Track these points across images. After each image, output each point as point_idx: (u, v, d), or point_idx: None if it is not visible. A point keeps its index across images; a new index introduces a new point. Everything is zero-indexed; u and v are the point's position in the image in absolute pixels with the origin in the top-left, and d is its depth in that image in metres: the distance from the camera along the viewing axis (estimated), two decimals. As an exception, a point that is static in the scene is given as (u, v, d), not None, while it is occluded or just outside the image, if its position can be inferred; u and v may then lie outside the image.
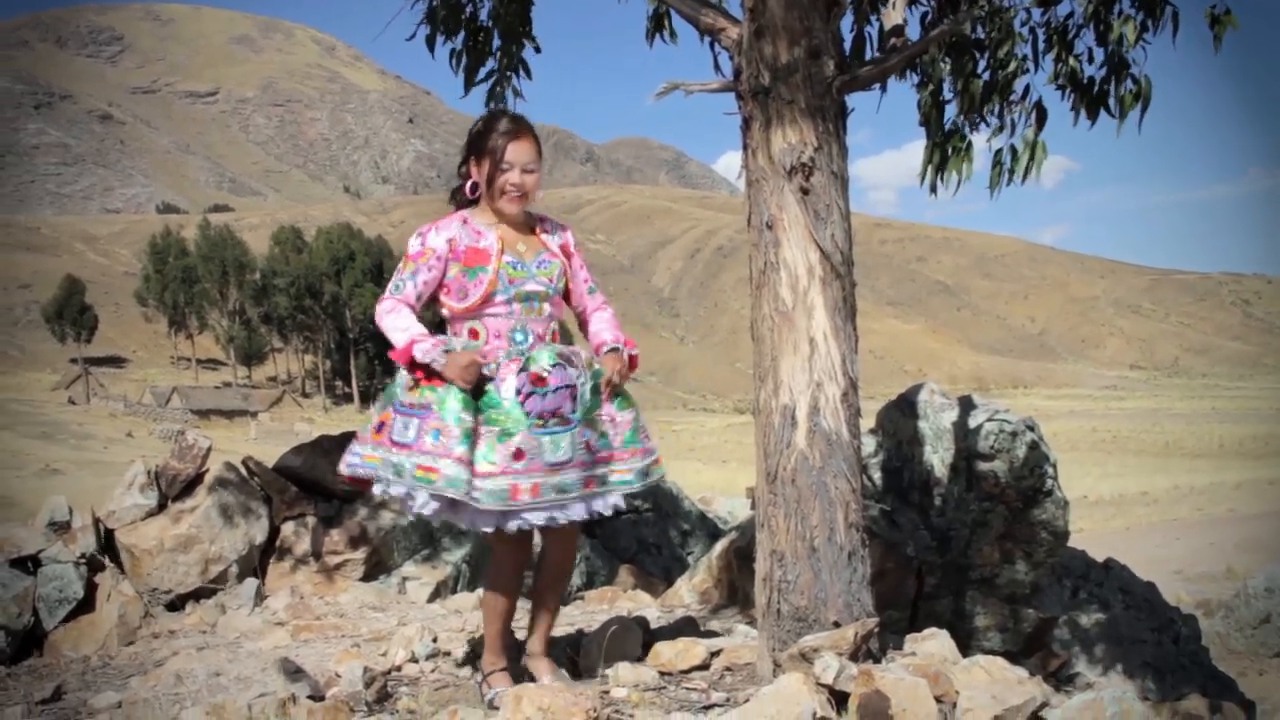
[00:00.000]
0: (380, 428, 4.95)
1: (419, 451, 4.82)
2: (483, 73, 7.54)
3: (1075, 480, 58.96)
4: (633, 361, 5.22)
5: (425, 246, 5.02)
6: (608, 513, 5.17)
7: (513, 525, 4.93)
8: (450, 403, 4.84)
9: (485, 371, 4.92)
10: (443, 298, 5.08)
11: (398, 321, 4.94)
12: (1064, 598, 9.01)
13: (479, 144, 5.09)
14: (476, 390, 4.89)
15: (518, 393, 4.90)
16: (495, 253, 5.03)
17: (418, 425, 4.86)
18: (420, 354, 4.84)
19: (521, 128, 5.10)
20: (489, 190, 5.07)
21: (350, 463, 5.04)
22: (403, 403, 4.91)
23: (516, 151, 5.03)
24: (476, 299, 4.99)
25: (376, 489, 5.02)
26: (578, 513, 5.04)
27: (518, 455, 4.87)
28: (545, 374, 4.93)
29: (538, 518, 4.95)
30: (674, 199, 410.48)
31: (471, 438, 4.85)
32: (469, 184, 5.12)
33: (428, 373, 4.87)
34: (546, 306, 5.11)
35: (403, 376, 4.94)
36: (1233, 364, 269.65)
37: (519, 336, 5.02)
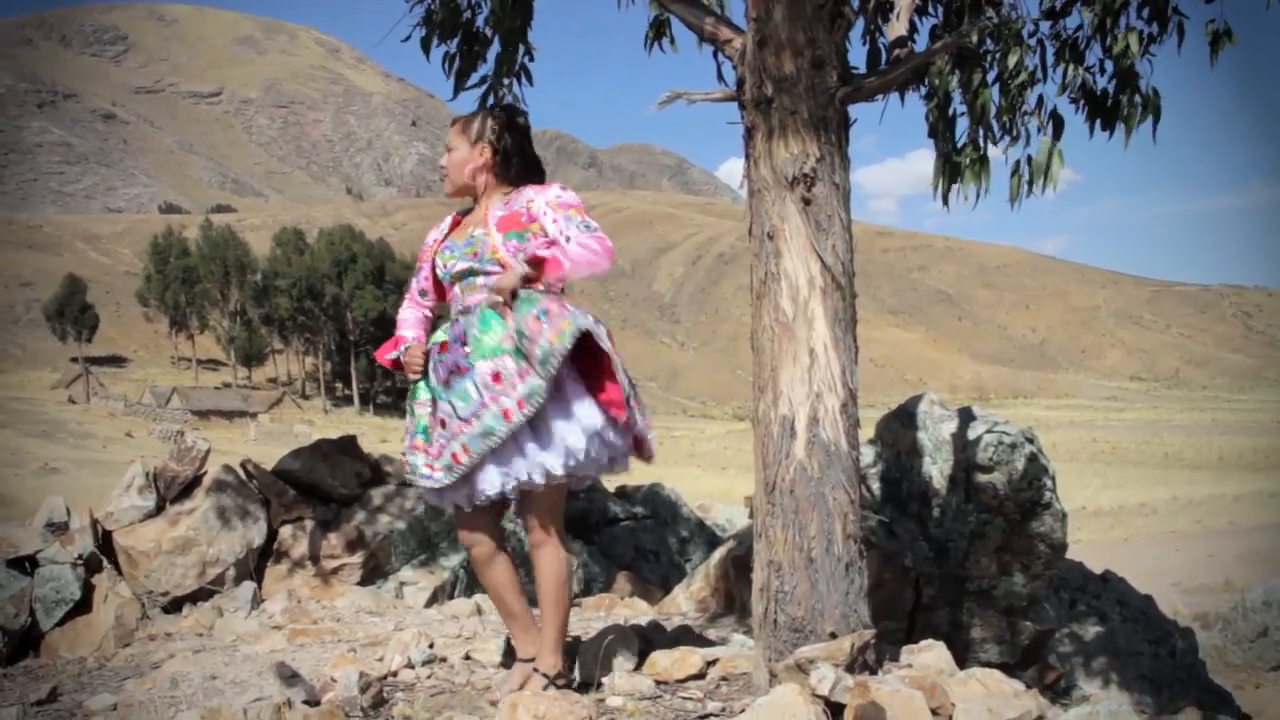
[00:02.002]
0: None
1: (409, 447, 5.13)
2: (475, 78, 7.50)
3: (1075, 491, 59.02)
4: (541, 265, 4.89)
5: (425, 243, 5.26)
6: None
7: (483, 495, 4.95)
8: (412, 398, 5.16)
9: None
10: None
11: (401, 322, 5.30)
12: (1062, 610, 9.01)
13: None
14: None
15: (431, 370, 5.10)
16: (434, 244, 5.26)
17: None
18: (383, 358, 5.24)
19: (457, 118, 5.35)
20: None
21: None
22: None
23: (447, 142, 5.33)
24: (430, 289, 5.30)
25: None
26: (493, 479, 4.91)
27: (442, 424, 4.99)
28: (445, 337, 5.08)
29: (490, 479, 4.89)
30: (676, 205, 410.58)
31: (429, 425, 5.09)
32: None
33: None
34: (479, 279, 5.05)
35: None
36: (1233, 376, 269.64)
37: (458, 313, 5.10)
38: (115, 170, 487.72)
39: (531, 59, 7.46)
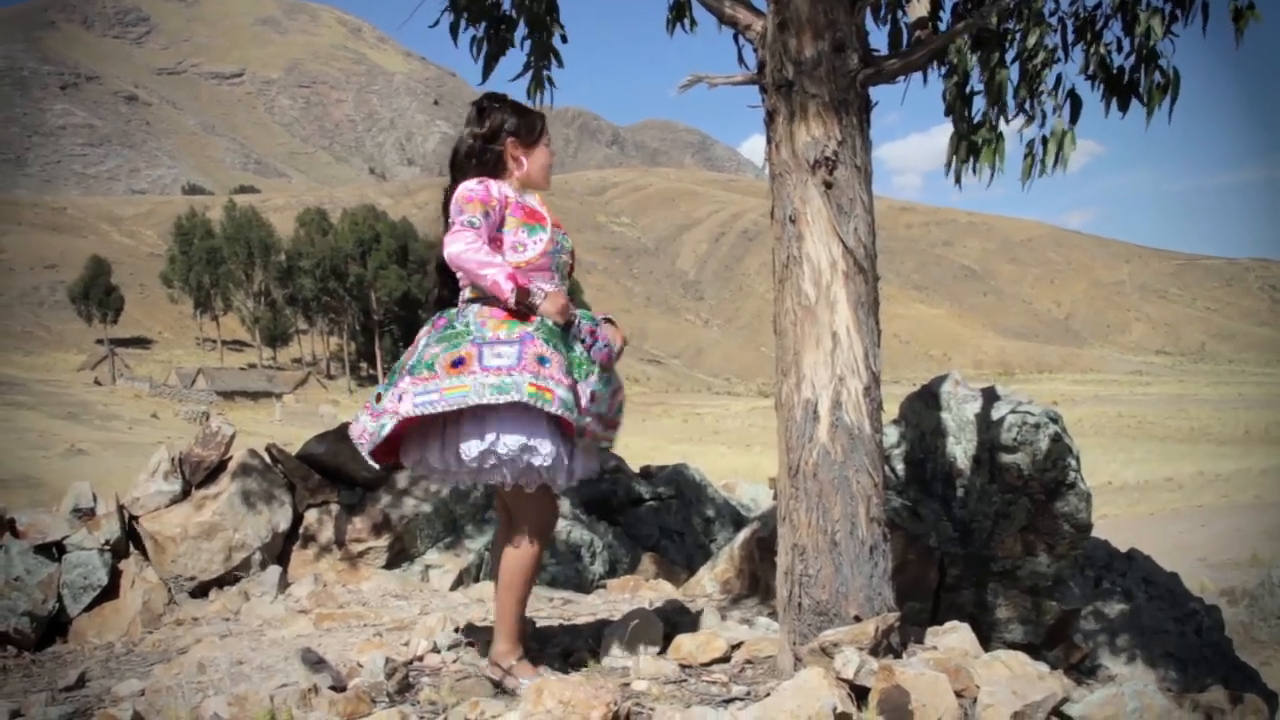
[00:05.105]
0: (459, 363, 4.81)
1: (525, 371, 4.79)
2: (519, 65, 7.44)
3: (1100, 466, 58.90)
4: None
5: (490, 194, 5.08)
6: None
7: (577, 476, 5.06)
8: (552, 335, 4.94)
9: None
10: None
11: (490, 257, 4.91)
12: (1087, 588, 9.00)
13: (530, 129, 5.33)
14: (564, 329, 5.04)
15: (581, 343, 5.10)
16: (550, 218, 5.22)
17: (517, 352, 4.84)
18: (531, 294, 4.93)
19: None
20: (532, 171, 5.31)
21: (425, 402, 4.78)
22: (491, 338, 4.87)
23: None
24: (535, 254, 5.11)
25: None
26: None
27: (592, 399, 5.05)
28: (596, 329, 5.18)
29: (593, 466, 5.15)
30: (699, 182, 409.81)
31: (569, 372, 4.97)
32: (515, 162, 5.31)
33: (520, 309, 4.94)
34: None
35: (484, 315, 4.95)
36: (1260, 350, 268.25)
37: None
38: (138, 152, 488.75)
39: (565, 41, 7.40)
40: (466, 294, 5.13)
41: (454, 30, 7.39)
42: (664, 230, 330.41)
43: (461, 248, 4.86)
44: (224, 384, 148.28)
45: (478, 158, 5.24)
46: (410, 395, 4.82)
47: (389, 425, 4.89)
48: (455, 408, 4.77)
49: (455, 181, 5.25)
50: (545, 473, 4.88)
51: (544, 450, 4.81)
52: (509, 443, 4.77)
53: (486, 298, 4.97)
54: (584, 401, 4.97)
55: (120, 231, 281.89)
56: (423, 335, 5.11)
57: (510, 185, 5.21)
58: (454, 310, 5.11)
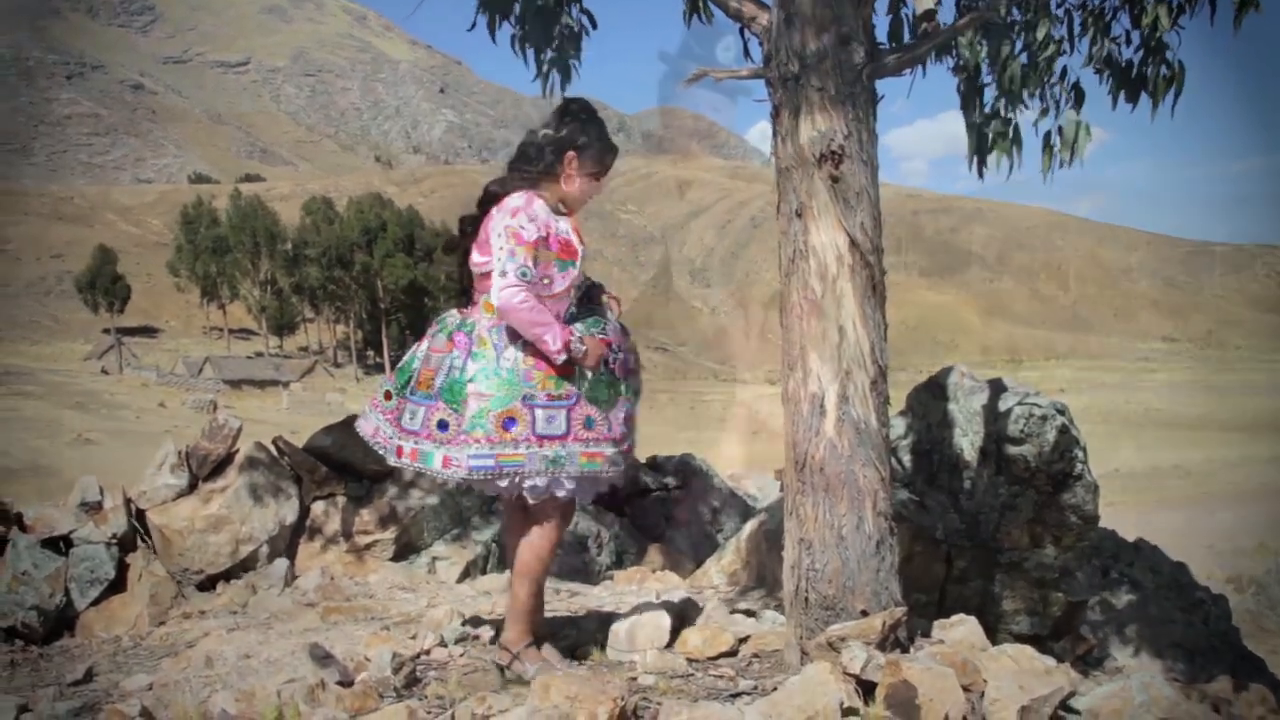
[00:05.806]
0: (511, 424, 4.92)
1: (575, 440, 4.96)
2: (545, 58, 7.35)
3: (1108, 453, 58.76)
4: None
5: (538, 234, 5.01)
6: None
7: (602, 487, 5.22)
8: (594, 389, 5.03)
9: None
10: None
11: (542, 316, 4.94)
12: (1095, 578, 9.00)
13: (598, 159, 5.30)
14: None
15: (607, 365, 5.11)
16: (580, 250, 5.17)
17: (566, 418, 4.96)
18: (575, 352, 4.96)
19: None
20: (575, 192, 5.26)
21: (480, 468, 4.93)
22: (546, 396, 4.95)
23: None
24: (561, 289, 5.10)
25: (521, 485, 5.01)
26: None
27: (627, 421, 5.17)
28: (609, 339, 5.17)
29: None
30: (706, 169, 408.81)
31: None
32: (567, 180, 5.25)
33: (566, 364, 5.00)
34: None
35: (529, 364, 4.98)
36: (1266, 336, 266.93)
37: (570, 316, 5.15)
38: (144, 141, 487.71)
39: (595, 27, 7.34)
40: (482, 305, 5.12)
41: (491, 29, 7.32)
42: (671, 218, 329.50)
43: (516, 305, 4.89)
44: (231, 373, 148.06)
45: (542, 161, 5.20)
46: (465, 455, 4.93)
47: (436, 461, 5.04)
48: (510, 476, 4.94)
49: (511, 168, 5.25)
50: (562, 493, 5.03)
51: (569, 485, 4.99)
52: (537, 482, 4.97)
53: (526, 341, 4.99)
54: (621, 430, 5.13)
55: (126, 221, 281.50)
56: (442, 349, 5.14)
57: (548, 202, 5.15)
58: (473, 324, 5.13)
